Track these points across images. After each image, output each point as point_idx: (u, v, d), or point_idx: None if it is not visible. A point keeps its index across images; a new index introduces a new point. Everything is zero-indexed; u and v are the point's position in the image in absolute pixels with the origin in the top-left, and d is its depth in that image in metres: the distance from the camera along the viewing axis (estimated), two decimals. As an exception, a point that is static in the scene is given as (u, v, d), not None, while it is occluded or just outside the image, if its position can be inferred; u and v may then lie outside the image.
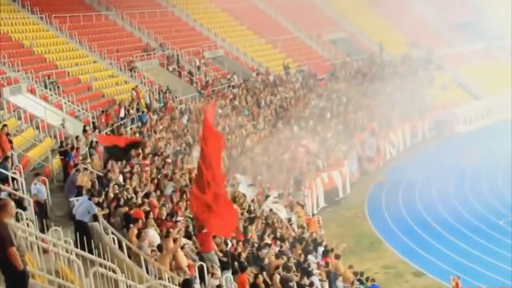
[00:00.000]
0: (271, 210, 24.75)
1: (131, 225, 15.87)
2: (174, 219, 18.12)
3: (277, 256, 19.54)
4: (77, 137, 24.83)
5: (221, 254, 17.31)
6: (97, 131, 27.50)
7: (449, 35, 62.41)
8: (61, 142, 23.72)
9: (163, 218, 18.13)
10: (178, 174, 22.89)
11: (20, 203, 14.11)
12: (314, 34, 55.74)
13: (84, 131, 26.19)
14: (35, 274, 9.73)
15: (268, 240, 21.16)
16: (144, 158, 23.89)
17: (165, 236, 15.58)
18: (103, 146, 22.80)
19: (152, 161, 24.02)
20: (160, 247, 14.95)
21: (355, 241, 29.57)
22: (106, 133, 27.92)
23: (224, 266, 16.88)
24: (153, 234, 15.94)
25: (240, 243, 18.91)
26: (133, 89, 34.19)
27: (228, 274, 16.40)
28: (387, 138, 43.12)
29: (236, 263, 17.36)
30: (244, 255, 18.21)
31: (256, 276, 16.46)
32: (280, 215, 24.86)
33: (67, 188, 18.69)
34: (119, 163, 21.71)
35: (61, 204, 18.66)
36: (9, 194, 15.00)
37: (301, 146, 34.92)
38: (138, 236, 15.25)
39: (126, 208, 16.97)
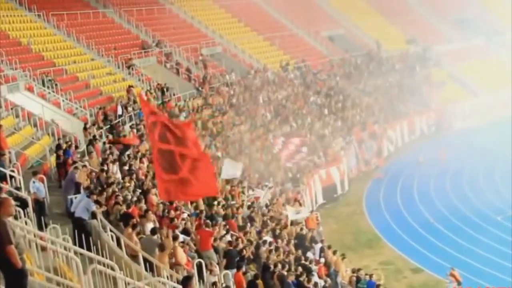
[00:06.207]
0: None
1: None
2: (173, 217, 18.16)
3: (275, 253, 19.57)
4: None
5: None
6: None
7: (447, 31, 62.39)
8: (59, 140, 23.66)
9: (161, 215, 18.14)
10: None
11: (18, 201, 14.09)
12: (312, 31, 55.68)
13: (85, 128, 26.16)
14: (34, 271, 9.73)
15: (266, 237, 21.17)
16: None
17: (165, 236, 15.50)
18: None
19: (149, 158, 23.99)
20: (160, 246, 14.85)
21: (354, 237, 29.67)
22: (106, 130, 27.93)
23: (228, 265, 16.92)
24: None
25: (240, 241, 18.90)
26: (127, 90, 34.04)
27: (229, 271, 16.39)
28: (385, 135, 43.14)
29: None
30: (246, 253, 18.23)
31: (255, 276, 16.48)
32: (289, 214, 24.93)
33: (65, 186, 18.63)
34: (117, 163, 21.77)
35: (59, 202, 18.62)
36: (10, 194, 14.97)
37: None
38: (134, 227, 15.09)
39: (124, 207, 16.92)
